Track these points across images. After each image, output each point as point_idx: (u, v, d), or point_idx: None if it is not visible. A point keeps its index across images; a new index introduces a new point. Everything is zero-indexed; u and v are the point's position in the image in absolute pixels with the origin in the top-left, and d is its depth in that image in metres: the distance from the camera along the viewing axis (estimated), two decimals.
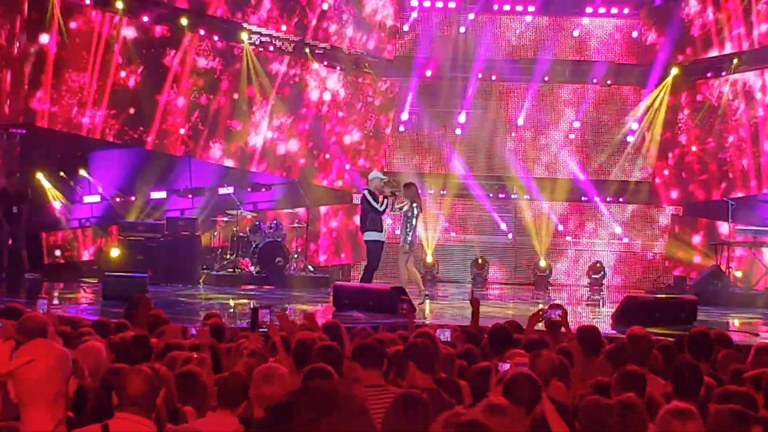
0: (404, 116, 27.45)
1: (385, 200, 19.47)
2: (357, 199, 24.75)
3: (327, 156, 26.68)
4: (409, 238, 19.46)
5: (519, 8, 27.10)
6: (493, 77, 27.30)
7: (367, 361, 7.69)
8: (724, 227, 24.36)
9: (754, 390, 7.09)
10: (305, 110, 26.26)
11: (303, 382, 6.94)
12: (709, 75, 25.97)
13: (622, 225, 27.08)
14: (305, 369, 7.26)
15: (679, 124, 26.34)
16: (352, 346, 8.28)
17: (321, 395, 3.38)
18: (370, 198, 19.46)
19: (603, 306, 22.53)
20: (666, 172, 26.76)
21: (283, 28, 25.75)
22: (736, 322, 18.58)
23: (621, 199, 27.06)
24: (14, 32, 23.07)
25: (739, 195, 24.94)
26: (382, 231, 19.60)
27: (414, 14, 27.12)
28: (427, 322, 16.31)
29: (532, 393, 6.50)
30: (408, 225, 19.46)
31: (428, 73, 27.19)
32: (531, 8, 27.03)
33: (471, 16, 26.98)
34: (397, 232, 19.48)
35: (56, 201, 24.02)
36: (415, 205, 19.51)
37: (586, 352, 9.23)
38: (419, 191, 19.92)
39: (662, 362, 8.93)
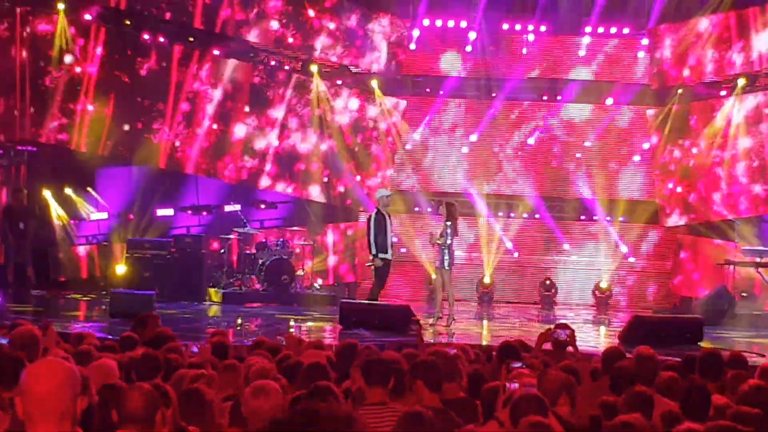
0: (416, 135, 27.45)
1: (389, 218, 19.42)
2: (363, 217, 24.77)
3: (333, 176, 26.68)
4: (447, 258, 19.43)
5: (518, 27, 27.05)
6: (493, 94, 27.28)
7: (372, 379, 7.69)
8: (730, 247, 24.33)
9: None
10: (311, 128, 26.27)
11: (292, 401, 6.93)
12: (714, 95, 25.99)
13: (629, 244, 27.03)
14: (306, 389, 7.27)
15: (685, 144, 26.32)
16: (358, 364, 8.27)
17: (309, 415, 3.35)
18: (372, 222, 19.48)
19: (609, 325, 22.50)
20: (673, 188, 26.71)
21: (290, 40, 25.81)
22: (742, 343, 18.53)
23: (626, 219, 27.00)
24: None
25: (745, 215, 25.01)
26: (387, 249, 19.57)
27: (416, 32, 27.09)
28: (433, 341, 16.29)
29: (539, 414, 6.49)
30: (446, 245, 19.41)
31: (440, 92, 27.22)
32: (531, 27, 26.96)
33: (472, 35, 26.97)
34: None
35: (61, 219, 24.07)
36: (449, 223, 19.47)
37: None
38: (456, 212, 19.83)
39: (669, 382, 8.91)
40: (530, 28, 26.94)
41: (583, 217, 27.18)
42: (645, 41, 26.64)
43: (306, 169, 26.21)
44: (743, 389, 7.93)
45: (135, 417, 5.62)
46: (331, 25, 26.00)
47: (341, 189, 26.68)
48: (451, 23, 26.96)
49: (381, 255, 19.53)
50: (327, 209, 26.55)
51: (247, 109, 25.48)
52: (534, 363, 9.42)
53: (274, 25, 25.36)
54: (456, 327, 19.42)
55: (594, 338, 19.78)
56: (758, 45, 24.87)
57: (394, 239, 26.35)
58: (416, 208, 27.14)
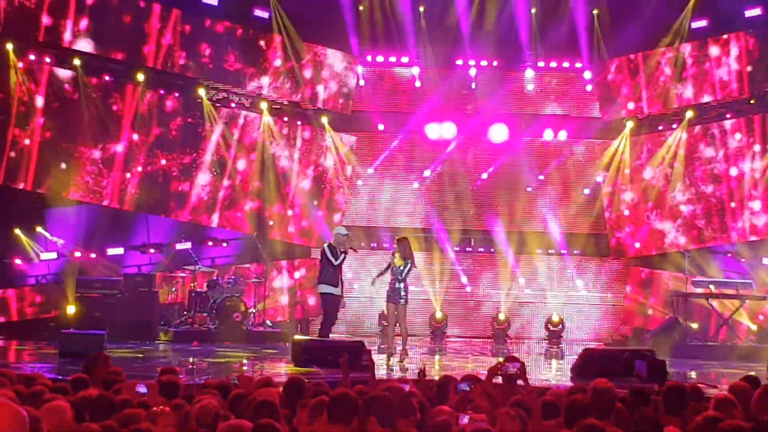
0: (370, 170, 27.52)
1: (342, 255, 19.37)
2: (315, 254, 24.72)
3: (290, 212, 26.66)
4: (404, 293, 19.36)
5: (471, 62, 27.18)
6: (446, 129, 27.37)
7: (334, 418, 7.65)
8: (680, 279, 24.48)
9: None
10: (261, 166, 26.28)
11: None
12: (661, 128, 26.27)
13: (582, 276, 27.15)
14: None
15: (636, 176, 26.53)
16: (304, 403, 8.25)
17: None
18: (328, 251, 19.39)
19: (562, 359, 22.56)
20: (625, 221, 26.88)
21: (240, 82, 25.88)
22: (694, 374, 18.62)
23: (579, 251, 27.15)
24: None
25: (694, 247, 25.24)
26: (337, 285, 19.42)
27: (360, 69, 27.20)
28: (385, 376, 16.26)
29: None
30: (401, 279, 19.34)
31: (381, 127, 27.29)
32: (483, 62, 27.15)
33: (416, 69, 27.12)
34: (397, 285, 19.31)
35: (26, 260, 23.94)
36: (407, 259, 19.41)
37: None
38: (405, 246, 19.74)
39: (623, 415, 8.91)
40: (483, 63, 27.09)
41: (539, 251, 27.24)
42: (588, 74, 26.89)
43: (257, 206, 26.19)
44: (697, 421, 7.96)
45: None
46: (278, 63, 26.05)
47: (295, 226, 26.68)
48: (404, 59, 27.07)
49: (324, 289, 19.42)
50: (279, 246, 26.50)
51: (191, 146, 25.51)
52: (484, 397, 9.42)
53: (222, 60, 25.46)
54: (408, 362, 19.36)
55: (546, 371, 19.79)
56: (706, 78, 25.23)
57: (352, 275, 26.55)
58: (372, 244, 27.12)
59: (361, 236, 26.86)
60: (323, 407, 7.75)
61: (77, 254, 24.32)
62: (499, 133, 27.00)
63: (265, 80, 26.02)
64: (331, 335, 19.72)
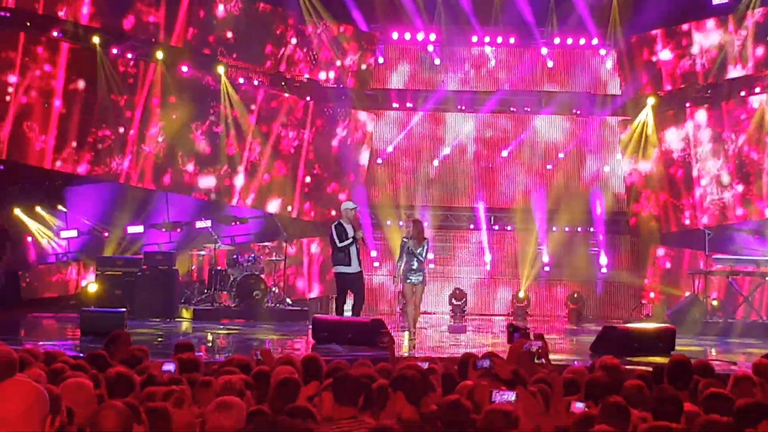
0: (389, 149, 27.49)
1: (351, 237, 19.19)
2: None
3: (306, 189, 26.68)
4: (420, 274, 19.35)
5: (487, 39, 27.09)
6: (462, 107, 27.36)
7: (341, 398, 7.66)
8: (701, 257, 24.41)
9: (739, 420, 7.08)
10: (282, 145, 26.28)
11: (249, 416, 6.89)
12: (687, 105, 26.11)
13: (605, 255, 27.09)
14: (278, 404, 7.24)
15: (657, 154, 26.42)
16: (328, 381, 8.25)
17: (266, 428, 3.29)
18: (333, 233, 19.32)
19: (581, 336, 22.53)
20: (645, 198, 26.80)
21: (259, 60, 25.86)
22: (714, 352, 18.59)
23: (599, 229, 27.07)
24: None
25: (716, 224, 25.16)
26: (349, 264, 19.31)
27: (382, 47, 27.18)
28: (406, 354, 16.27)
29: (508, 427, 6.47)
30: (420, 260, 19.32)
31: (408, 105, 27.27)
32: (499, 39, 27.07)
33: (430, 47, 27.06)
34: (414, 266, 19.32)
35: (43, 237, 24.00)
36: (424, 241, 19.36)
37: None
38: (421, 228, 19.68)
39: (641, 392, 8.90)
40: (499, 40, 27.02)
41: (554, 229, 27.18)
42: (603, 51, 26.82)
43: (278, 184, 26.19)
44: (713, 398, 7.94)
45: None
46: (294, 41, 26.00)
47: (312, 204, 26.69)
48: (420, 36, 26.98)
49: (336, 270, 19.38)
50: (299, 224, 26.51)
51: (215, 123, 25.48)
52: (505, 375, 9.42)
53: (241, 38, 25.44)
54: (430, 340, 19.37)
55: (567, 349, 19.76)
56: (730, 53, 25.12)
57: (374, 253, 26.55)
58: (388, 222, 27.10)
59: (378, 215, 26.87)
60: (346, 389, 7.76)
61: (106, 234, 24.43)
62: None
63: (285, 58, 25.96)
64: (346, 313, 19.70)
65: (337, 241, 19.14)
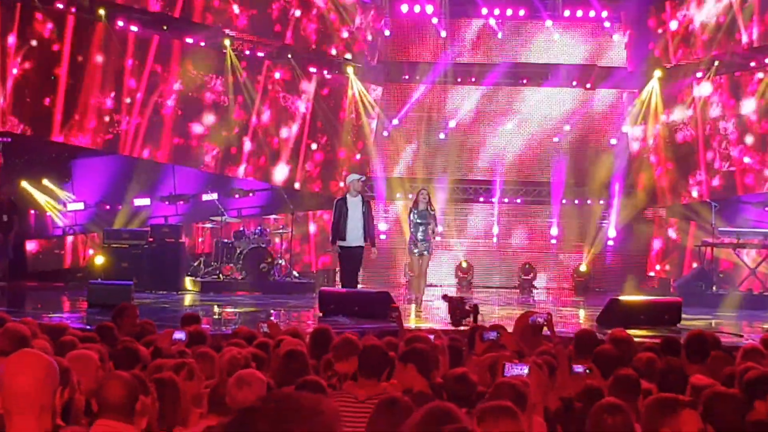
0: (395, 121, 27.46)
1: (349, 207, 19.23)
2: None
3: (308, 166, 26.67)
4: (426, 244, 19.44)
5: (497, 11, 27.00)
6: (471, 80, 27.34)
7: (365, 371, 7.71)
8: (708, 229, 24.38)
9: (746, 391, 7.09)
10: (289, 118, 26.26)
11: (268, 389, 6.93)
12: (695, 76, 26.02)
13: (608, 227, 27.05)
14: (284, 377, 7.26)
15: (662, 127, 26.38)
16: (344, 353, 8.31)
17: (282, 405, 3.26)
18: (335, 208, 19.46)
19: (587, 308, 22.55)
20: (651, 171, 26.77)
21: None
22: (720, 324, 18.60)
23: (604, 202, 27.02)
24: None
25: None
26: (344, 238, 19.37)
27: (389, 19, 27.12)
28: (413, 326, 16.31)
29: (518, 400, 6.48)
30: (425, 230, 19.40)
31: (416, 78, 27.24)
32: (509, 11, 26.99)
33: (434, 20, 26.98)
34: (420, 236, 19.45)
35: (50, 210, 24.04)
36: (430, 211, 19.43)
37: (578, 355, 9.26)
38: (427, 199, 19.71)
39: (647, 363, 8.93)
40: (509, 12, 26.95)
41: (564, 201, 27.15)
42: (607, 24, 26.77)
43: (284, 156, 26.19)
44: (726, 372, 7.95)
45: (115, 406, 5.57)
46: (298, 13, 25.91)
47: (319, 176, 26.70)
48: (429, 8, 26.88)
49: (338, 243, 19.45)
50: (305, 196, 26.50)
51: (221, 96, 25.45)
52: (511, 347, 9.46)
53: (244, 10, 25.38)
54: (437, 312, 19.43)
55: (572, 322, 19.79)
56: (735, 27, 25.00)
57: (384, 226, 26.54)
58: (397, 195, 27.10)
59: (385, 187, 26.89)
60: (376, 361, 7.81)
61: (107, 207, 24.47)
62: None
63: (291, 30, 25.91)
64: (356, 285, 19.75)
65: (335, 215, 19.30)
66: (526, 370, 7.24)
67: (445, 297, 17.77)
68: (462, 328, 12.51)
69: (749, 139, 25.06)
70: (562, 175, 26.96)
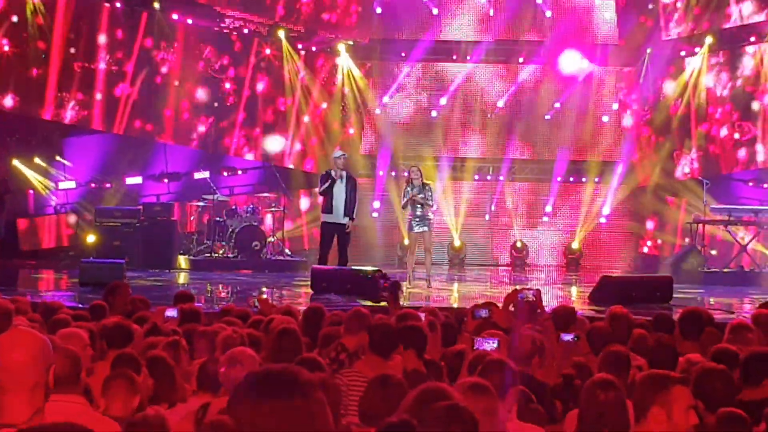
0: (385, 99, 27.43)
1: (331, 180, 19.26)
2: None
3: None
4: (426, 221, 19.53)
5: None
6: (464, 57, 27.31)
7: (377, 347, 7.76)
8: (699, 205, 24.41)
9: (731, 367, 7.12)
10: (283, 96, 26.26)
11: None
12: (683, 53, 26.04)
13: (600, 204, 27.08)
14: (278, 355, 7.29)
15: (655, 103, 26.42)
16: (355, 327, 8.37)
17: (271, 380, 3.25)
18: (320, 180, 19.53)
19: (579, 286, 22.59)
20: (643, 148, 26.81)
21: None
22: (712, 300, 18.65)
23: (597, 179, 27.04)
24: None
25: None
26: (330, 211, 19.34)
27: None
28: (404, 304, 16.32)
29: (505, 378, 6.51)
30: (423, 207, 19.46)
31: (406, 55, 27.19)
32: None
33: None
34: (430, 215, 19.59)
35: (42, 188, 24.01)
36: (426, 188, 19.49)
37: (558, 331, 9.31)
38: (420, 175, 19.74)
39: (638, 340, 8.99)
40: None
41: (559, 179, 27.13)
42: (610, 2, 26.74)
43: (276, 134, 26.20)
44: (717, 348, 7.99)
45: (61, 380, 5.45)
46: None
47: (311, 154, 26.70)
48: None
49: (322, 216, 19.50)
50: (297, 175, 26.51)
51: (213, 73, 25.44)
52: (503, 323, 9.51)
53: None
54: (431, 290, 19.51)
55: (564, 299, 19.84)
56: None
57: (377, 204, 26.56)
58: (393, 173, 27.02)
59: (376, 164, 26.88)
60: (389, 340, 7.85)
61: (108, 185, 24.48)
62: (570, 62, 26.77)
63: (282, 5, 25.86)
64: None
65: (318, 187, 19.35)
66: (495, 344, 7.40)
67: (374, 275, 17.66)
68: (382, 304, 12.67)
69: (741, 116, 25.10)
70: (557, 153, 26.96)
